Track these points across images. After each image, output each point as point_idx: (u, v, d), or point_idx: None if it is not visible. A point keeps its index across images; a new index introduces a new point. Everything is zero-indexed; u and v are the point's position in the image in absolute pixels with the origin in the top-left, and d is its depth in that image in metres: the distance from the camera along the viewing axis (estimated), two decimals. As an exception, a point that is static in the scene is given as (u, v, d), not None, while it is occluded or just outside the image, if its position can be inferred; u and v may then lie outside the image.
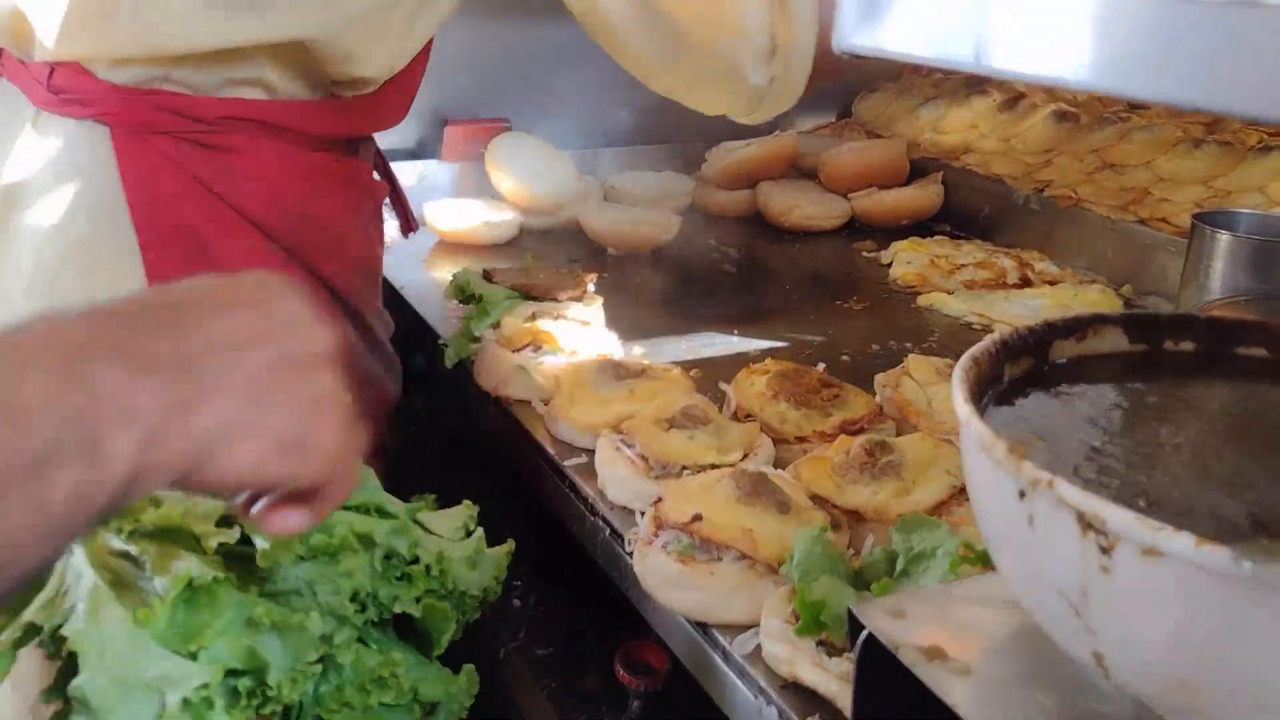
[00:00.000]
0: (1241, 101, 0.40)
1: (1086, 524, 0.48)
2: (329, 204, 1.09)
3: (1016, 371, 0.66)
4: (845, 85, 2.07)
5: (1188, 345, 0.69)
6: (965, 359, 0.62)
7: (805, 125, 2.05)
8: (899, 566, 0.76)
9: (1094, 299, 1.39)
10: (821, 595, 0.69)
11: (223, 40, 0.96)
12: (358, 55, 1.03)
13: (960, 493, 0.87)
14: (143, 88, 0.98)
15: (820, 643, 0.71)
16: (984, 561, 0.71)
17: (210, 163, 1.01)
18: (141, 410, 0.44)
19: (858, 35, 0.58)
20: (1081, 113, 1.66)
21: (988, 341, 0.64)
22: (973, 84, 1.84)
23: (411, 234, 1.39)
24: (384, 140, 1.75)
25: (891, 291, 1.52)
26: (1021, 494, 0.51)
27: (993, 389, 0.64)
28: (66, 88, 0.99)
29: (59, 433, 0.42)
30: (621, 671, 1.08)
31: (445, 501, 1.50)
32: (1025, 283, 1.48)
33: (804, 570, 0.75)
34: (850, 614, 0.64)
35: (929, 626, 0.62)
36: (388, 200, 1.31)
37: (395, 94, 1.14)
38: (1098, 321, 0.69)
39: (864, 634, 0.63)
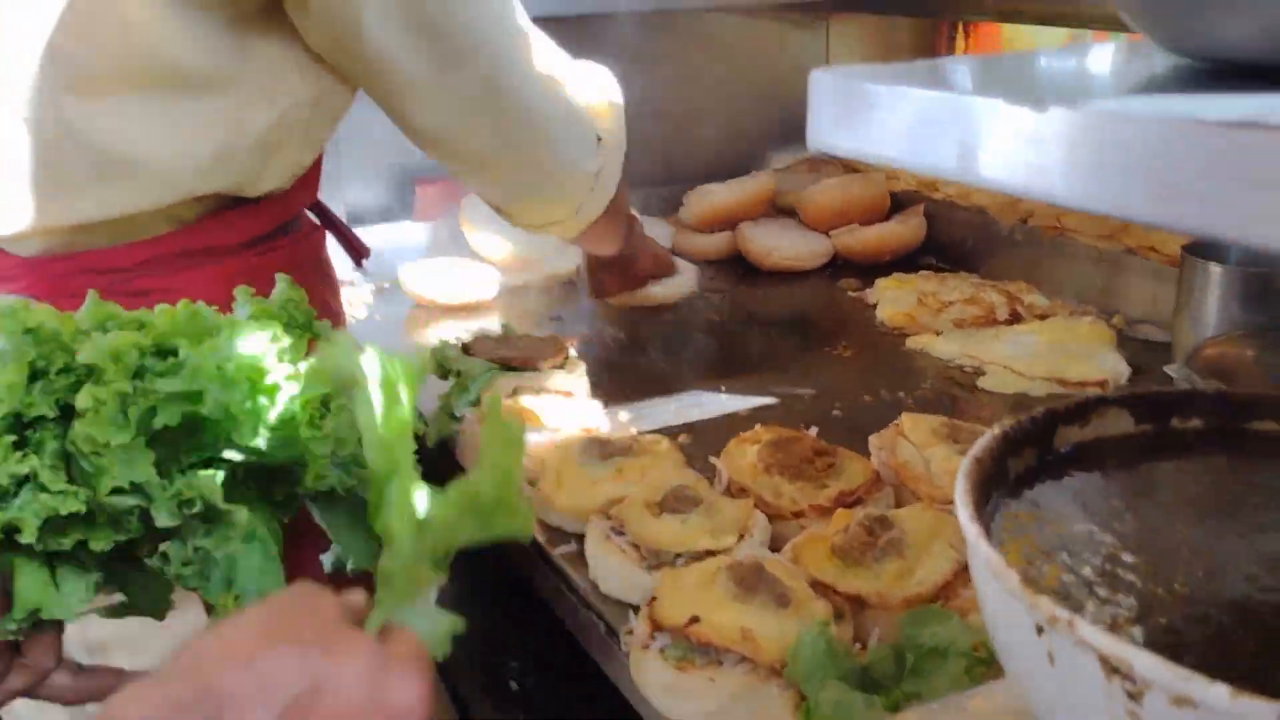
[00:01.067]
0: (1237, 226, 0.37)
1: (1112, 668, 0.44)
2: None
3: (1021, 466, 0.63)
4: (820, 118, 2.04)
5: (1196, 423, 0.66)
6: (967, 462, 0.58)
7: (780, 162, 2.02)
8: (908, 664, 0.72)
9: (1086, 331, 1.36)
10: (826, 711, 0.65)
11: (116, 209, 0.97)
12: (256, 181, 1.04)
13: (965, 569, 0.84)
14: (55, 254, 0.99)
15: (831, 758, 0.67)
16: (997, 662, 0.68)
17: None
18: None
19: (834, 136, 0.54)
20: (1061, 139, 1.63)
21: (988, 438, 0.61)
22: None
23: (365, 260, 1.37)
24: (355, 204, 1.73)
25: (879, 335, 1.49)
26: (1039, 629, 0.47)
27: (998, 488, 0.60)
28: None
29: None
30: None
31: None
32: (1015, 318, 1.45)
33: (807, 673, 0.72)
34: (862, 735, 0.61)
35: (947, 748, 0.59)
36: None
37: (312, 174, 1.13)
38: (1102, 404, 0.66)
39: (880, 757, 0.60)
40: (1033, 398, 1.25)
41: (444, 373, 1.23)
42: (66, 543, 0.66)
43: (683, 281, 1.53)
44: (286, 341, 0.74)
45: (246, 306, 0.81)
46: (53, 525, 0.65)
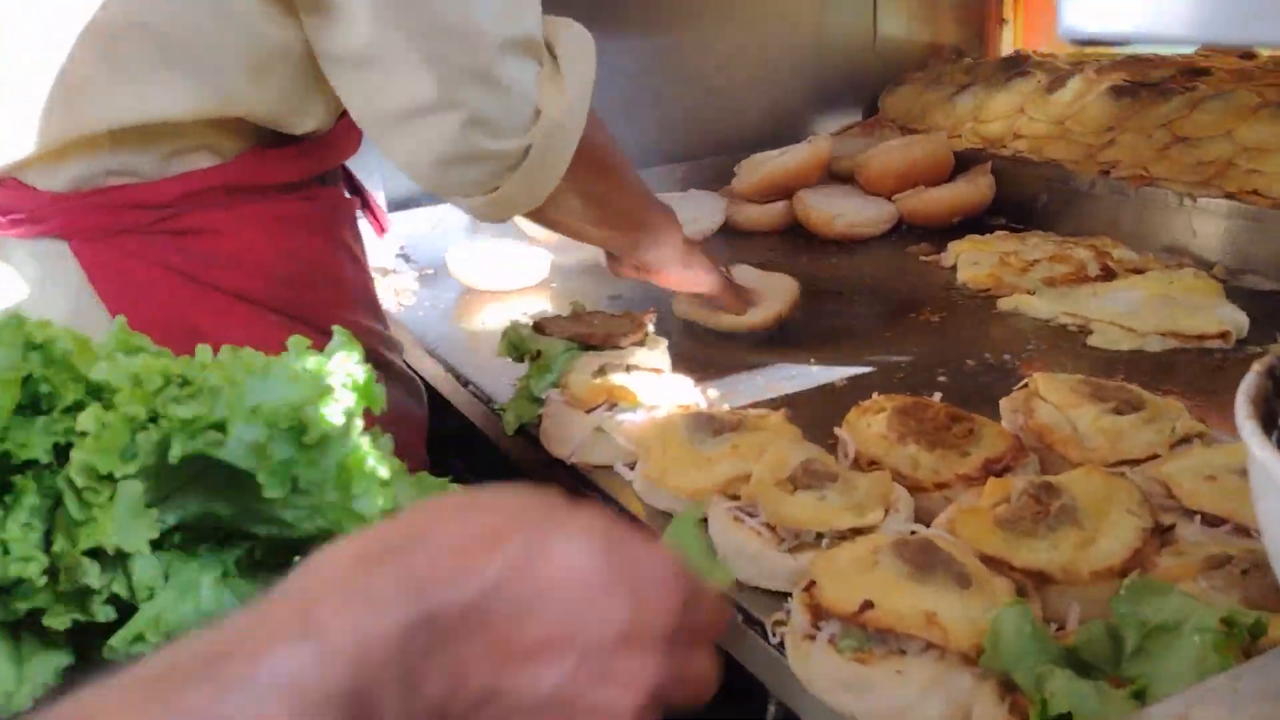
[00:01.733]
0: None
1: None
2: (313, 251, 1.01)
3: (1284, 406, 0.54)
4: (869, 79, 1.96)
5: None
6: (1244, 406, 0.50)
7: (831, 127, 1.93)
8: (1130, 643, 0.63)
9: (1191, 284, 1.28)
10: (1064, 704, 0.56)
11: (142, 113, 0.88)
12: (297, 113, 0.95)
13: (1152, 536, 0.75)
14: (85, 190, 0.91)
15: (1064, 756, 0.58)
16: (1252, 637, 0.59)
17: (182, 250, 0.93)
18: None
19: (1087, 19, 0.46)
20: (1140, 86, 1.55)
21: (1254, 377, 0.53)
22: (1011, 67, 1.73)
23: (384, 234, 1.24)
24: (394, 188, 1.64)
25: (963, 297, 1.40)
26: None
27: (1273, 435, 0.52)
28: (9, 206, 0.92)
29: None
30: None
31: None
32: (1108, 273, 1.37)
33: (1013, 659, 0.63)
34: (1125, 730, 0.52)
35: (1232, 739, 0.50)
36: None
37: (345, 128, 1.03)
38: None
39: (1147, 753, 0.51)
40: (1150, 354, 1.17)
41: (519, 354, 1.14)
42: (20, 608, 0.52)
43: (766, 308, 1.33)
44: (346, 396, 0.58)
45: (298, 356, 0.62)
46: (12, 592, 0.52)
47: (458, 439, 1.56)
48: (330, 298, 1.02)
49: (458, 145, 0.92)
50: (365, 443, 0.58)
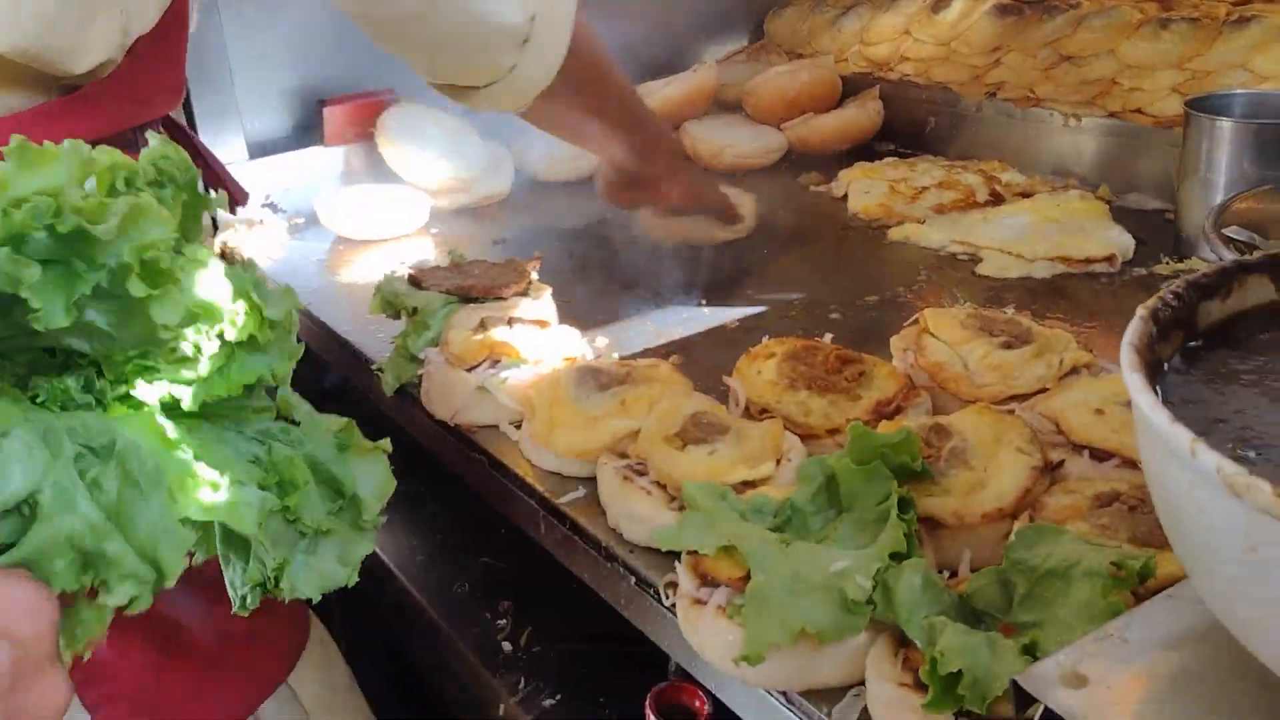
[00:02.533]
0: None
1: None
2: None
3: (1171, 351, 0.52)
4: (753, 2, 1.90)
5: (1344, 282, 0.57)
6: (1128, 355, 0.48)
7: (717, 53, 1.88)
8: (1019, 590, 0.62)
9: (1078, 207, 1.28)
10: (955, 662, 0.55)
11: None
12: (61, 56, 0.82)
13: (1042, 474, 0.74)
14: None
15: (958, 712, 0.57)
16: (1140, 579, 0.58)
17: None
18: None
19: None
20: (1025, 4, 1.53)
21: (1137, 322, 0.50)
22: (895, -15, 1.69)
23: (240, 207, 1.17)
24: (257, 133, 1.54)
25: (855, 229, 1.38)
26: (1303, 548, 0.37)
27: (1158, 380, 0.50)
28: None
29: None
30: (654, 718, 0.94)
31: (396, 530, 1.33)
32: (996, 198, 1.36)
33: (906, 613, 0.62)
34: (1016, 686, 0.51)
35: (1123, 693, 0.49)
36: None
37: (154, 72, 0.93)
38: (1240, 272, 0.56)
39: (1040, 711, 0.50)
40: (1038, 279, 1.16)
41: (395, 311, 1.08)
42: None
43: (748, 218, 1.36)
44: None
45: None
46: None
47: (339, 397, 1.50)
48: None
49: (470, 27, 0.97)
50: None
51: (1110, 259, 1.16)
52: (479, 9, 0.96)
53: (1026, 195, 1.35)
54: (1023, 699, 0.50)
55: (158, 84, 0.94)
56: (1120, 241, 1.18)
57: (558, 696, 1.09)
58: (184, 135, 1.10)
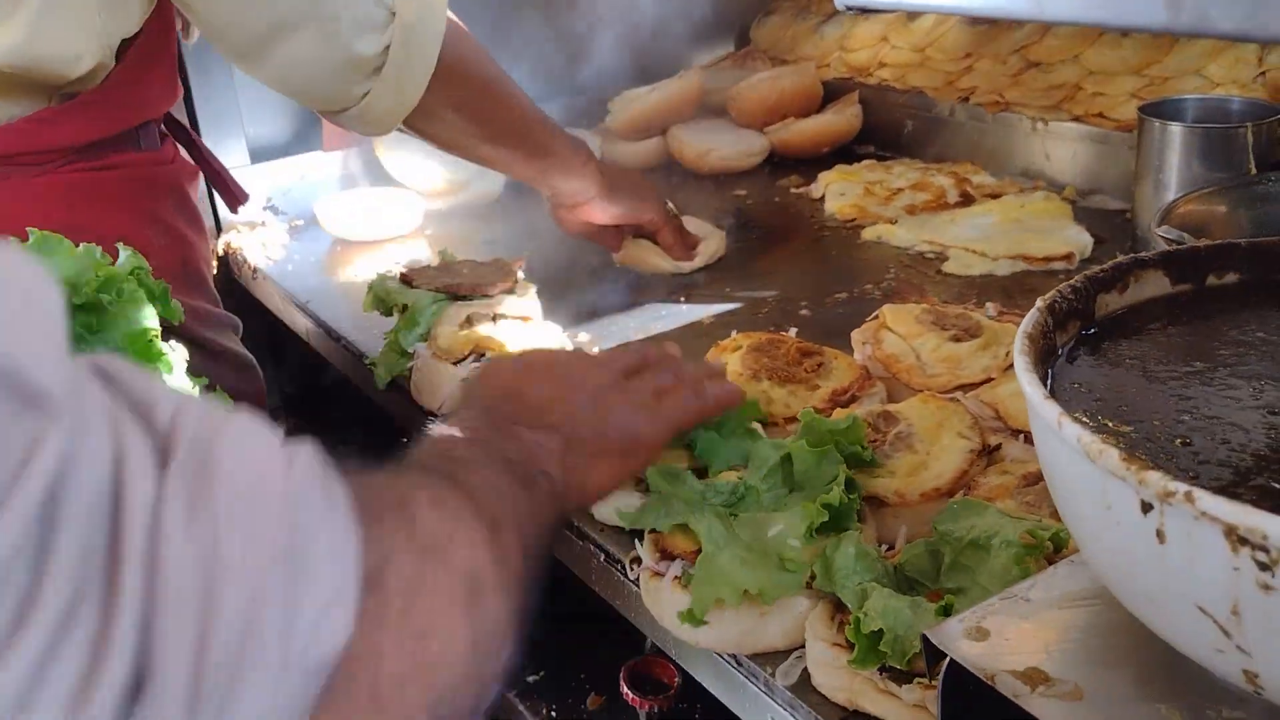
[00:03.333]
0: None
1: (1240, 539, 0.40)
2: (109, 226, 0.92)
3: (1067, 338, 0.58)
4: (739, 9, 1.96)
5: (1232, 278, 0.63)
6: (1021, 340, 0.54)
7: (703, 59, 1.94)
8: (946, 559, 0.68)
9: (1041, 207, 1.33)
10: (877, 622, 0.61)
11: None
12: (55, 64, 0.87)
13: (980, 456, 0.80)
14: None
15: (882, 668, 0.63)
16: (1054, 548, 0.64)
17: None
18: (553, 451, 0.68)
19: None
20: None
21: (1035, 313, 0.56)
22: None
23: (241, 206, 1.24)
24: (258, 139, 1.60)
25: (831, 229, 1.44)
26: (1146, 506, 0.43)
27: (1051, 364, 0.56)
28: None
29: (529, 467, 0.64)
30: (629, 692, 1.00)
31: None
32: (966, 199, 1.41)
33: (841, 581, 0.67)
34: (926, 641, 0.57)
35: (1019, 645, 0.55)
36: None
37: (148, 74, 0.98)
38: (1138, 267, 0.62)
39: (946, 662, 0.55)
40: (1000, 277, 1.22)
41: (386, 308, 1.14)
42: None
43: (705, 251, 1.34)
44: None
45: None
46: None
47: (335, 391, 1.56)
48: None
49: (321, 53, 0.95)
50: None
51: (1069, 257, 1.22)
52: (331, 38, 0.95)
53: (995, 196, 1.41)
54: (933, 653, 0.56)
55: (153, 85, 1.00)
56: (1079, 240, 1.24)
57: (540, 673, 1.15)
58: (188, 137, 1.16)
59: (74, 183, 0.92)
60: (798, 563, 0.68)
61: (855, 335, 1.01)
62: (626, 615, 0.82)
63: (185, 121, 1.19)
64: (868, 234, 1.37)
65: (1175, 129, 1.16)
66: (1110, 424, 0.51)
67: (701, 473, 0.82)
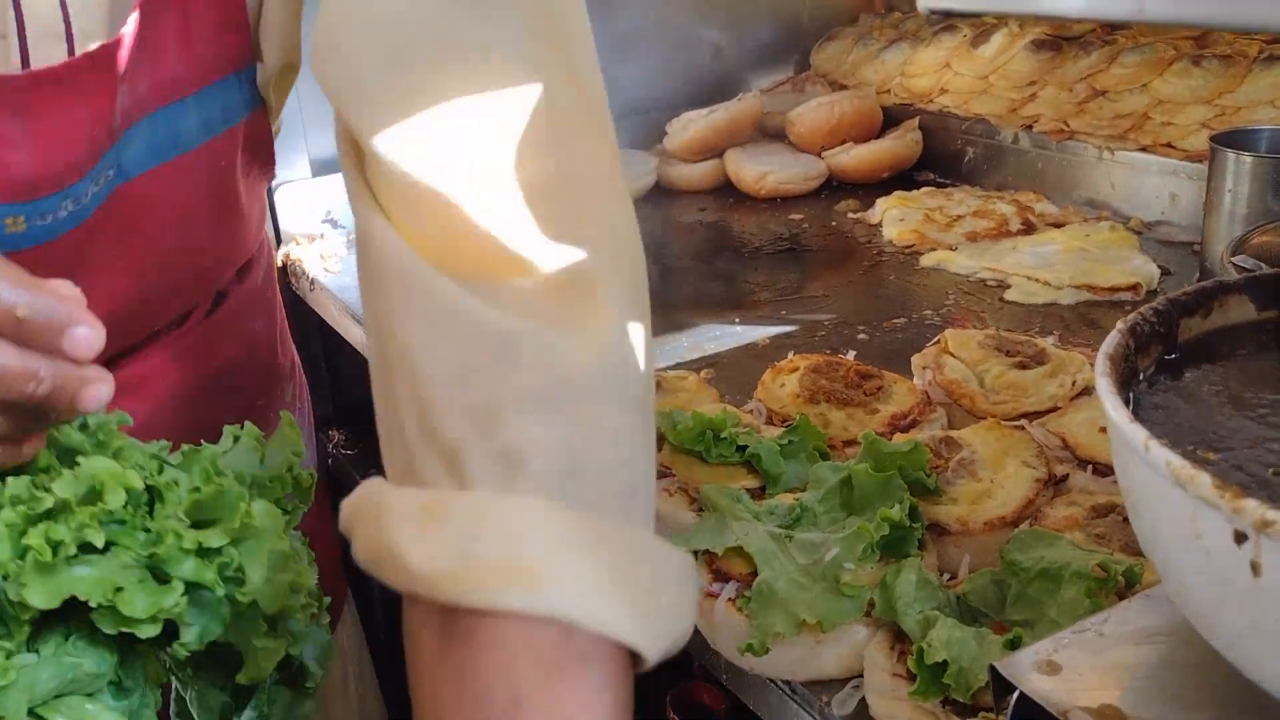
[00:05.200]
0: None
1: (1345, 574, 0.38)
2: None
3: (1148, 362, 0.56)
4: (801, 34, 1.95)
5: (1321, 305, 0.60)
6: (1101, 360, 0.52)
7: (763, 83, 1.93)
8: (1012, 591, 0.66)
9: (1106, 237, 1.30)
10: (941, 653, 0.59)
11: None
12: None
13: (1046, 486, 0.78)
14: None
15: (945, 701, 0.61)
16: (1126, 583, 0.62)
17: None
18: None
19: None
20: (1061, 40, 1.57)
21: (1116, 335, 0.54)
22: (937, 22, 1.73)
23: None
24: (321, 153, 1.62)
25: (889, 255, 1.42)
26: (1241, 537, 0.41)
27: (1133, 388, 0.54)
28: None
29: None
30: (675, 717, 0.99)
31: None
32: (1029, 227, 1.39)
33: (902, 609, 0.65)
34: (994, 672, 0.54)
35: (1093, 680, 0.52)
36: None
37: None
38: (1220, 292, 0.59)
39: (1016, 696, 0.53)
40: (1063, 306, 1.19)
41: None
42: None
43: None
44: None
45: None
46: None
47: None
48: None
49: None
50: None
51: (1135, 288, 1.19)
52: None
53: (1059, 225, 1.38)
54: (1001, 686, 0.54)
55: None
56: (1145, 271, 1.21)
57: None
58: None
59: None
60: (854, 587, 0.66)
61: (915, 360, 0.99)
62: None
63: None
64: (926, 260, 1.35)
65: (1248, 160, 1.13)
66: (1197, 451, 0.49)
67: (759, 493, 0.81)
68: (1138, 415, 0.52)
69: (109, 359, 0.76)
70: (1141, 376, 0.55)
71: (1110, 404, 0.48)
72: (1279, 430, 0.50)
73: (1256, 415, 0.51)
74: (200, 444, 0.56)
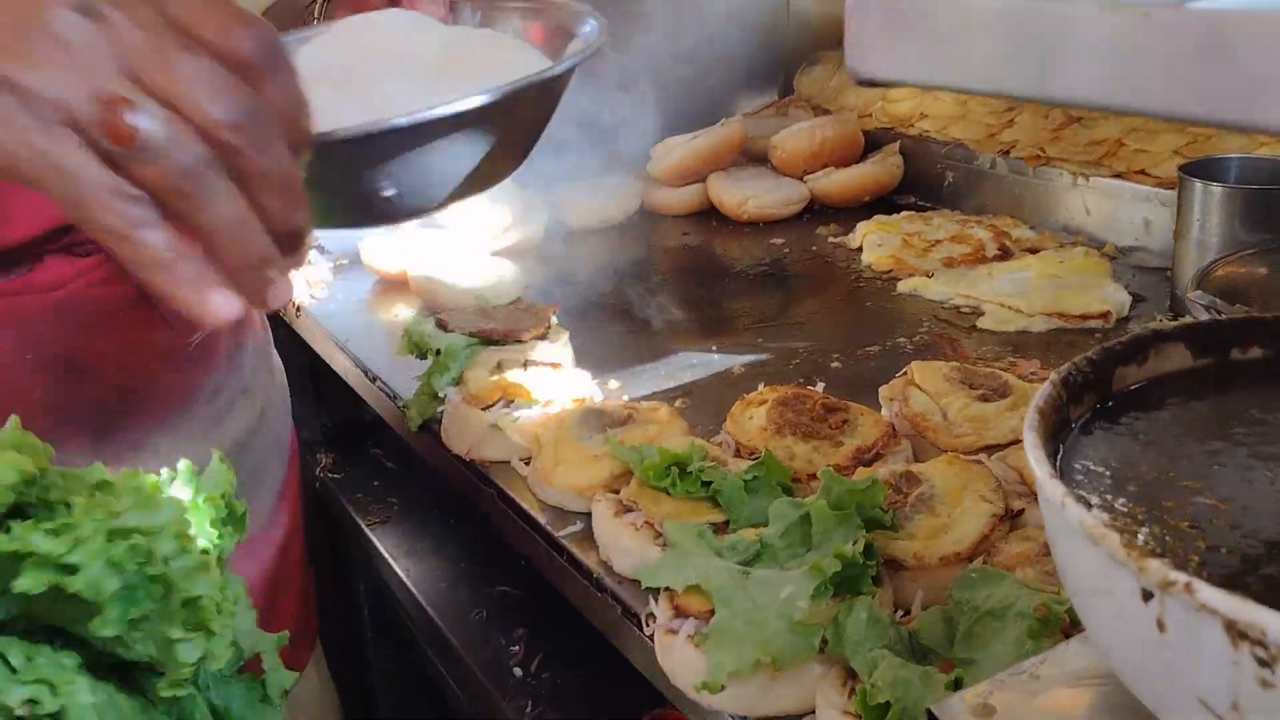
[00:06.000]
0: None
1: (1240, 634, 0.40)
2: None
3: (1082, 411, 0.58)
4: (784, 58, 1.97)
5: (1257, 352, 0.62)
6: (1032, 415, 0.53)
7: (746, 107, 1.95)
8: (960, 628, 0.68)
9: (1080, 264, 1.32)
10: (885, 693, 0.60)
11: None
12: None
13: (1002, 521, 0.79)
14: None
15: (891, 738, 0.62)
16: (1070, 621, 0.63)
17: None
18: None
19: (875, 64, 0.49)
20: (1038, 66, 1.59)
21: (1048, 387, 0.56)
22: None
23: (192, 338, 1.01)
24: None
25: (867, 280, 1.44)
26: (1147, 595, 0.43)
27: (1063, 439, 0.56)
28: None
29: None
30: (648, 743, 1.00)
31: (424, 556, 1.40)
32: (1005, 253, 1.41)
33: (853, 646, 0.67)
34: (931, 716, 0.56)
35: (1025, 723, 0.54)
36: None
37: None
38: (1158, 340, 0.61)
39: (951, 739, 0.55)
40: (1035, 334, 1.21)
41: (421, 352, 1.16)
42: None
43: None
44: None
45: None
46: None
47: (375, 428, 1.58)
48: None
49: None
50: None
51: (1105, 315, 1.20)
52: None
53: (1034, 251, 1.40)
54: (940, 727, 0.56)
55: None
56: (1116, 298, 1.23)
57: (559, 717, 1.15)
58: None
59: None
60: (808, 626, 0.67)
61: (883, 391, 1.01)
62: (642, 670, 0.82)
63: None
64: (903, 286, 1.37)
65: (1216, 190, 1.14)
66: (1120, 504, 0.50)
67: (723, 528, 0.83)
68: (1067, 467, 0.54)
69: None
70: (1075, 426, 0.57)
71: (1033, 457, 0.50)
72: (1202, 482, 0.52)
73: (1181, 467, 0.53)
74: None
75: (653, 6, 1.86)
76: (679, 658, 0.72)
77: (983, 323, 1.25)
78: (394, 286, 1.52)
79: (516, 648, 1.21)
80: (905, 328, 1.27)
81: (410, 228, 1.63)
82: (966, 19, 0.34)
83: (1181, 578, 0.41)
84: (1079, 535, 0.45)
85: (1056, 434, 0.54)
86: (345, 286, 1.53)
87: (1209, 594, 0.40)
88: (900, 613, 0.73)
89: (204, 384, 0.99)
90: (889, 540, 0.78)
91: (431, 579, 1.34)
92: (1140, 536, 0.47)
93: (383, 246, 1.54)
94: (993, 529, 0.78)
